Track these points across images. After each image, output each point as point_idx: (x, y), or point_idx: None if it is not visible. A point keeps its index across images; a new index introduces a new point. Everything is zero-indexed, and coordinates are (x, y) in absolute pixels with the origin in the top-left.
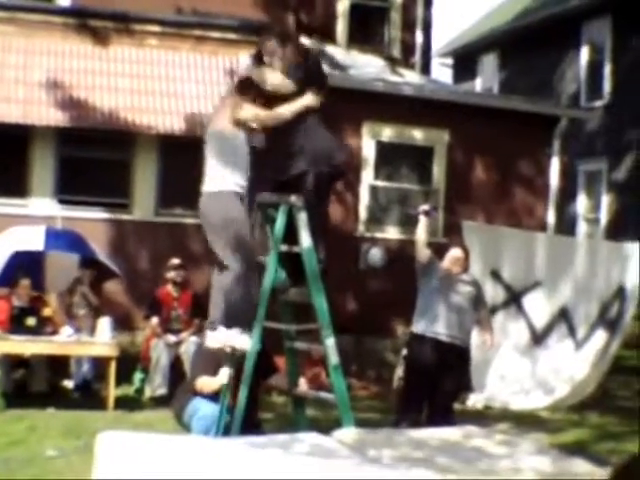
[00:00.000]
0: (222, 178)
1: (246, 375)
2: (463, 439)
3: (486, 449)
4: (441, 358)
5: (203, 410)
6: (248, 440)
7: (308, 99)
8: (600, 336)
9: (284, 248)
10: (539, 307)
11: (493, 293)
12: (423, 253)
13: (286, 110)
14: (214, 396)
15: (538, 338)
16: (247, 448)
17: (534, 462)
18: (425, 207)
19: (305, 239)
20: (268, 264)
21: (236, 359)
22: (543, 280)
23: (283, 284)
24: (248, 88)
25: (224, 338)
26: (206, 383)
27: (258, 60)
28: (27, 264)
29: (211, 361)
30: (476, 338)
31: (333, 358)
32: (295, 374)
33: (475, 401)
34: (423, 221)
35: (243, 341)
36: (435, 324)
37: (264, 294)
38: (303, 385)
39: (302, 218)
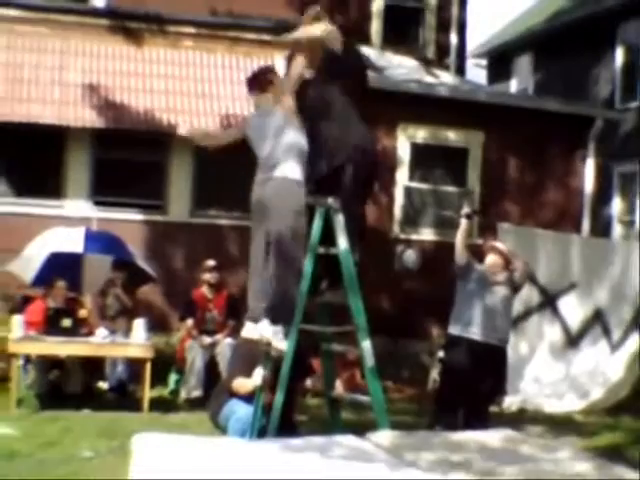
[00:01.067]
0: (296, 169)
1: (282, 377)
2: (500, 442)
3: (525, 453)
4: (477, 359)
5: (240, 412)
6: (284, 443)
7: (314, 29)
8: (635, 339)
9: (321, 250)
10: (574, 309)
11: (528, 295)
12: (462, 256)
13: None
14: (250, 397)
15: (573, 340)
16: (283, 451)
17: (575, 466)
18: (467, 210)
19: (342, 241)
20: (305, 266)
21: (273, 360)
22: (578, 282)
23: (320, 286)
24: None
25: (265, 331)
26: (241, 384)
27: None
28: (64, 265)
29: (247, 362)
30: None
31: (369, 360)
32: (331, 376)
33: (510, 404)
34: (464, 224)
35: (282, 341)
36: (471, 325)
37: (301, 296)
38: (339, 387)
39: (339, 220)
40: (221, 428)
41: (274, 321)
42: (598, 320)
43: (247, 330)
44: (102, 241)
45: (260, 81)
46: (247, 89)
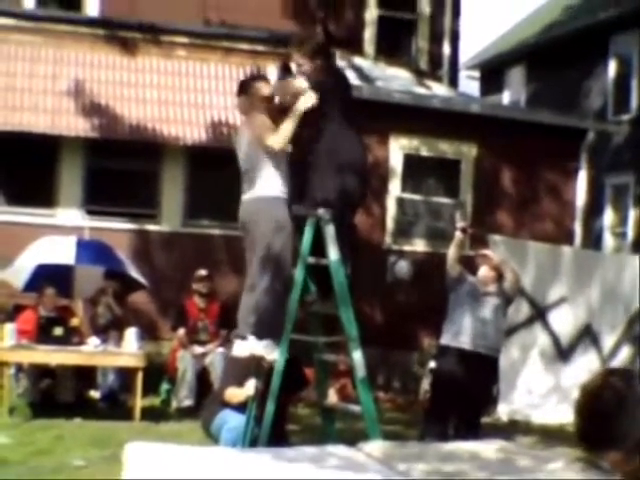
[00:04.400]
0: (273, 184)
1: (274, 387)
2: (493, 453)
3: (518, 463)
4: (467, 369)
5: (232, 422)
6: (276, 453)
7: (305, 101)
8: (626, 351)
9: (312, 261)
10: (565, 322)
11: (518, 308)
12: (454, 268)
13: (285, 126)
14: (242, 407)
15: (564, 353)
16: (275, 461)
17: (569, 477)
18: (462, 224)
19: (332, 252)
20: (296, 277)
21: (265, 371)
22: (569, 295)
23: (311, 296)
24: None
25: (253, 347)
26: (234, 394)
27: (285, 71)
28: (54, 273)
29: (240, 372)
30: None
31: (360, 371)
32: (324, 386)
33: (501, 414)
34: (458, 237)
35: (271, 352)
36: (461, 335)
37: (292, 306)
38: (332, 397)
39: (329, 231)
40: (213, 437)
41: (260, 336)
42: (589, 333)
43: (237, 349)
44: (94, 251)
45: (242, 84)
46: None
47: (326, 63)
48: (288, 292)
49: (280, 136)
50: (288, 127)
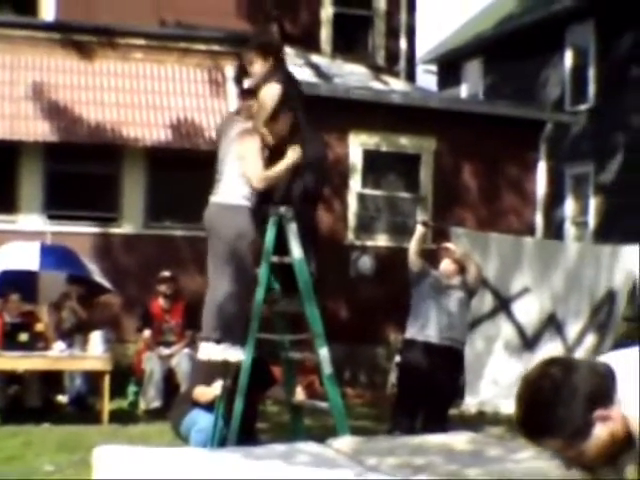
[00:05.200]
0: (236, 191)
1: (241, 386)
2: (462, 445)
3: (487, 454)
4: (433, 362)
5: (201, 423)
6: (246, 451)
7: (292, 156)
8: (591, 340)
9: (275, 259)
10: (529, 312)
11: (482, 300)
12: (416, 262)
13: (274, 172)
14: (211, 406)
15: (529, 343)
16: (245, 459)
17: (538, 465)
18: (423, 218)
19: (296, 250)
20: (260, 275)
21: (232, 370)
22: (532, 285)
23: (276, 295)
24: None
25: (214, 352)
26: (202, 393)
27: (242, 72)
28: (18, 278)
29: (207, 371)
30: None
31: (327, 368)
32: (292, 384)
33: (469, 406)
34: (419, 231)
35: (235, 354)
36: (426, 328)
37: (257, 306)
38: (300, 394)
39: (292, 229)
40: (183, 438)
41: (220, 339)
42: (553, 322)
43: (200, 353)
44: (57, 256)
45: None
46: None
47: (278, 62)
48: (250, 296)
49: (265, 180)
50: (275, 175)
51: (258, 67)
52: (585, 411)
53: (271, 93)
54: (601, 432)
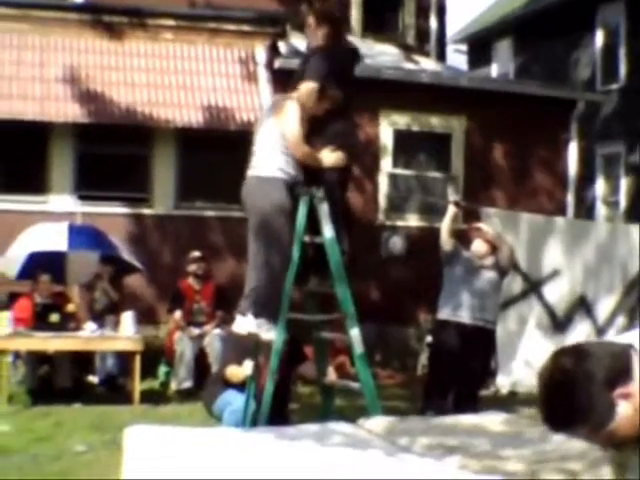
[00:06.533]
0: (271, 163)
1: (272, 366)
2: (495, 425)
3: (521, 435)
4: (465, 342)
5: (235, 404)
6: (279, 432)
7: (337, 160)
8: (621, 322)
9: (307, 239)
10: (560, 294)
11: (513, 280)
12: (448, 242)
13: (313, 154)
14: (243, 387)
15: (560, 325)
16: (278, 440)
17: (574, 446)
18: (455, 197)
19: (327, 230)
20: (292, 256)
21: (264, 350)
22: (563, 266)
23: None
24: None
25: (250, 326)
26: (234, 373)
27: (274, 51)
28: (48, 259)
29: (239, 351)
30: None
31: (358, 348)
32: (324, 364)
33: (501, 386)
34: (451, 211)
35: (268, 332)
36: (458, 309)
37: (288, 285)
38: (332, 374)
39: (323, 209)
40: (216, 418)
41: (257, 314)
42: (583, 304)
43: (235, 325)
44: (86, 236)
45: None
46: None
47: (334, 33)
48: (286, 271)
49: (302, 149)
50: (312, 157)
51: (311, 32)
52: (605, 393)
53: (307, 90)
54: (626, 410)
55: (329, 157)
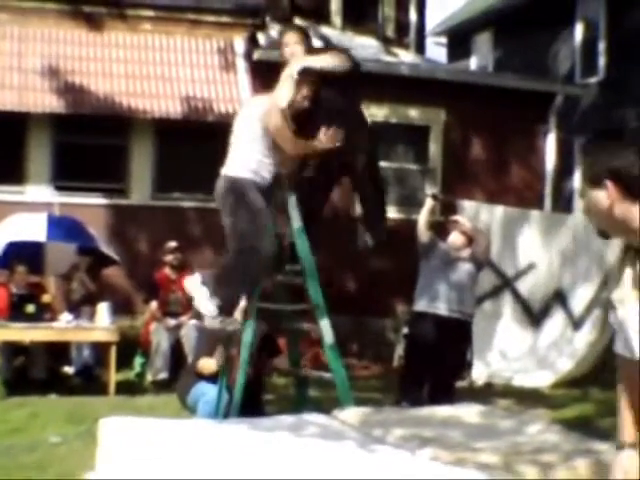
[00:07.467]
0: (243, 164)
1: (243, 357)
2: (470, 417)
3: (495, 426)
4: (442, 334)
5: (209, 394)
6: (253, 423)
7: (330, 139)
8: (598, 315)
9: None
10: (535, 286)
11: (489, 273)
12: (425, 234)
13: (313, 146)
14: (216, 378)
15: (535, 317)
16: (252, 431)
17: (548, 438)
18: (434, 192)
19: (295, 220)
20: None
21: (235, 341)
22: (538, 258)
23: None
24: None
25: (196, 289)
26: (205, 365)
27: (253, 43)
28: (25, 249)
29: (212, 343)
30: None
31: (328, 338)
32: (296, 355)
33: (477, 378)
34: (429, 204)
35: (207, 305)
36: (435, 301)
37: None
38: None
39: (291, 200)
40: (190, 409)
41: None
42: (559, 298)
43: (187, 282)
44: (64, 228)
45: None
46: None
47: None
48: (254, 264)
49: (298, 146)
50: (307, 146)
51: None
52: (607, 171)
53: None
54: (600, 196)
55: (321, 140)
